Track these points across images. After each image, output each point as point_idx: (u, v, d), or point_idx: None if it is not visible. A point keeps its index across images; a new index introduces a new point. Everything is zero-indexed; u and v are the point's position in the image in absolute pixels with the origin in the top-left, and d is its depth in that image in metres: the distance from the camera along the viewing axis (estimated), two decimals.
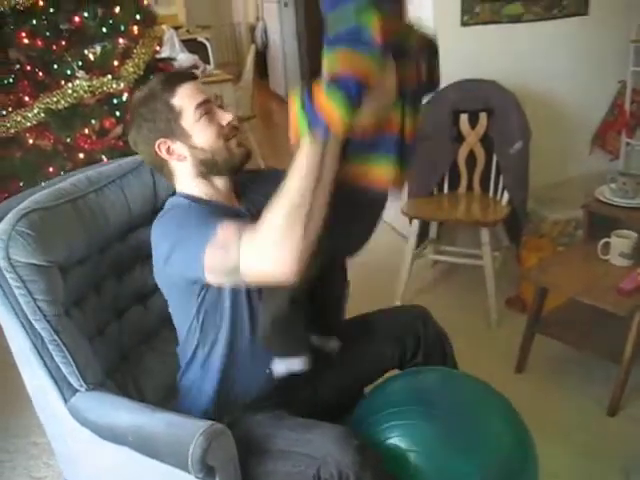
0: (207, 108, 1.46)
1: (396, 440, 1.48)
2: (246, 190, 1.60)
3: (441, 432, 1.50)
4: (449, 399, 1.56)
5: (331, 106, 1.11)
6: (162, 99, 1.44)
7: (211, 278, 1.32)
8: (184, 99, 1.44)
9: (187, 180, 1.51)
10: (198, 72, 5.01)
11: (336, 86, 1.11)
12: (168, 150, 1.47)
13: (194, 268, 1.31)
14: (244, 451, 1.37)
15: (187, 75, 1.50)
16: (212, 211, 1.42)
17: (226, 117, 1.48)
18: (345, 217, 1.31)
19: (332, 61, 1.15)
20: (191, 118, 1.44)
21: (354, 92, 1.11)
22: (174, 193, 1.56)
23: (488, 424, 1.56)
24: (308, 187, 1.17)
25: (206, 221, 1.33)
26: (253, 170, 1.72)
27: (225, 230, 1.27)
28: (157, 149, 1.47)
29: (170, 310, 1.58)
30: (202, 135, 1.45)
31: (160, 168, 1.53)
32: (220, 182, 1.52)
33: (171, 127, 1.45)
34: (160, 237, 1.43)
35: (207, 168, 1.48)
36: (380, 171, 1.27)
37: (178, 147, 1.47)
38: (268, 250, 1.18)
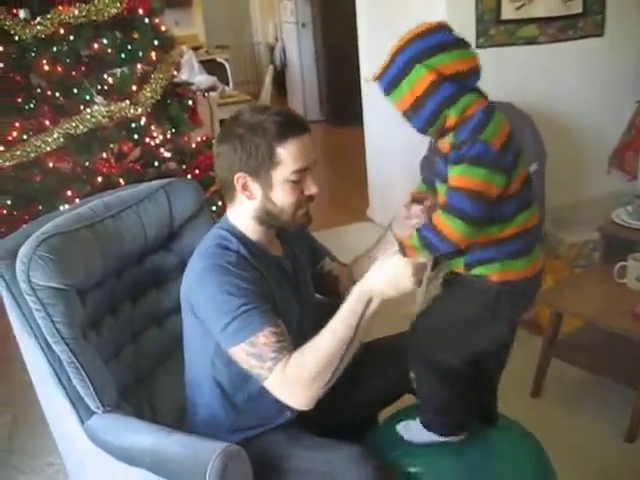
0: (302, 175, 1.43)
1: (414, 463, 1.51)
2: (289, 237, 1.62)
3: (460, 463, 1.52)
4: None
5: (452, 228, 1.26)
6: (268, 141, 1.39)
7: (231, 355, 1.40)
8: (289, 155, 1.40)
9: (244, 215, 1.49)
10: (216, 94, 5.07)
11: (454, 207, 1.25)
12: (244, 185, 1.44)
13: (220, 342, 1.41)
14: (260, 470, 1.38)
15: (302, 127, 1.44)
16: (258, 278, 1.42)
17: (312, 189, 1.45)
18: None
19: (453, 176, 1.26)
20: (283, 176, 1.41)
21: (473, 211, 1.24)
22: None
23: (510, 457, 1.58)
24: (350, 343, 1.34)
25: (250, 307, 1.36)
26: None
27: (266, 338, 1.35)
28: (235, 180, 1.44)
29: (184, 333, 1.58)
30: (282, 195, 1.43)
31: (226, 189, 1.50)
32: (270, 229, 1.53)
33: (260, 171, 1.41)
34: (199, 284, 1.43)
35: (267, 218, 1.47)
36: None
37: (255, 188, 1.44)
38: (293, 390, 1.35)
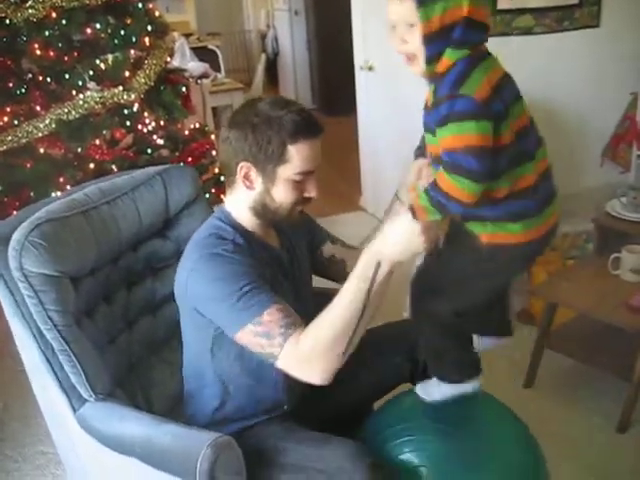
0: (306, 177, 1.42)
1: (409, 456, 1.49)
2: (285, 226, 1.60)
3: (454, 449, 1.50)
4: (463, 416, 1.56)
5: (460, 189, 1.19)
6: (282, 137, 1.37)
7: (238, 341, 1.37)
8: (299, 155, 1.38)
9: (240, 204, 1.48)
10: (208, 81, 5.04)
11: (458, 167, 1.17)
12: (246, 175, 1.42)
13: (225, 328, 1.38)
14: (254, 462, 1.37)
15: (318, 130, 1.41)
16: (255, 265, 1.40)
17: (312, 192, 1.45)
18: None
19: (444, 139, 1.19)
20: (287, 175, 1.40)
21: (477, 166, 1.16)
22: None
23: (500, 442, 1.56)
24: (363, 309, 1.28)
25: (252, 287, 1.34)
26: None
27: (272, 316, 1.32)
28: (238, 167, 1.42)
29: (182, 324, 1.57)
30: (283, 193, 1.42)
31: (228, 174, 1.48)
32: (266, 222, 1.52)
33: (267, 165, 1.40)
34: (197, 273, 1.40)
35: (263, 211, 1.46)
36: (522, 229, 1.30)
37: (256, 180, 1.43)
38: (310, 364, 1.31)
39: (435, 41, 1.18)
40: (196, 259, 1.41)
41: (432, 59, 1.19)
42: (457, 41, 1.17)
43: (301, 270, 1.64)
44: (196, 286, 1.41)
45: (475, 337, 1.52)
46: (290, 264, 1.59)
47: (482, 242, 1.31)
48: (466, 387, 1.51)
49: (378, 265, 1.28)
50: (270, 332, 1.31)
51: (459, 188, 1.18)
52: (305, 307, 1.58)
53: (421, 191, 1.26)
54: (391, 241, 1.28)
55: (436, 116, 1.20)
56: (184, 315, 1.52)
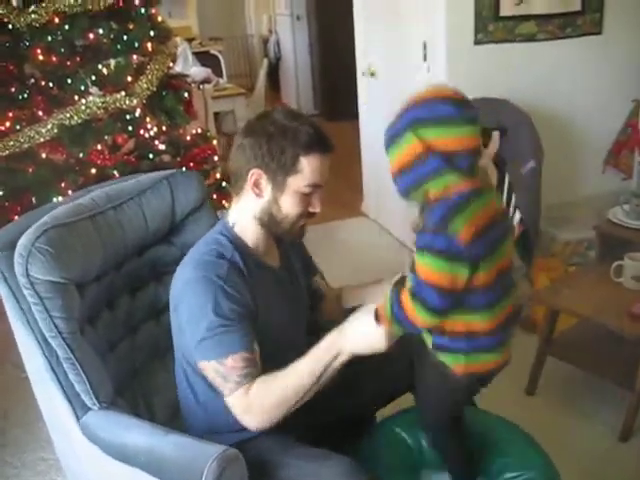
0: (313, 190, 1.44)
1: (408, 472, 1.52)
2: (287, 247, 1.63)
3: None
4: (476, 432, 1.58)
5: (416, 315, 1.24)
6: (295, 148, 1.39)
7: (198, 366, 1.44)
8: (309, 167, 1.41)
9: (246, 214, 1.49)
10: (210, 86, 5.04)
11: (420, 296, 1.22)
12: (256, 182, 1.44)
13: (193, 351, 1.43)
14: (253, 476, 1.36)
15: (330, 147, 1.44)
16: (244, 293, 1.42)
17: (317, 208, 1.47)
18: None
19: (419, 265, 1.22)
20: (297, 185, 1.42)
21: (437, 303, 1.21)
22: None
23: (504, 460, 1.57)
24: (312, 386, 1.37)
25: (228, 327, 1.38)
26: None
27: (235, 362, 1.38)
28: (249, 174, 1.43)
29: (173, 334, 1.56)
30: (289, 204, 1.44)
31: (236, 180, 1.49)
32: (268, 234, 1.53)
33: (278, 173, 1.41)
34: (186, 293, 1.44)
35: (267, 221, 1.47)
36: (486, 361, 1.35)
37: (266, 188, 1.44)
38: (251, 415, 1.40)
39: (398, 179, 1.26)
40: (190, 278, 1.44)
41: (405, 194, 1.27)
42: (430, 175, 1.20)
43: (300, 288, 1.66)
44: (182, 304, 1.45)
45: None
46: (289, 282, 1.60)
47: (453, 372, 1.34)
48: None
49: (337, 355, 1.36)
50: (227, 376, 1.38)
51: (416, 313, 1.24)
52: (301, 324, 1.59)
53: (387, 299, 1.30)
54: (355, 338, 1.36)
55: (419, 242, 1.23)
56: (173, 322, 1.52)
